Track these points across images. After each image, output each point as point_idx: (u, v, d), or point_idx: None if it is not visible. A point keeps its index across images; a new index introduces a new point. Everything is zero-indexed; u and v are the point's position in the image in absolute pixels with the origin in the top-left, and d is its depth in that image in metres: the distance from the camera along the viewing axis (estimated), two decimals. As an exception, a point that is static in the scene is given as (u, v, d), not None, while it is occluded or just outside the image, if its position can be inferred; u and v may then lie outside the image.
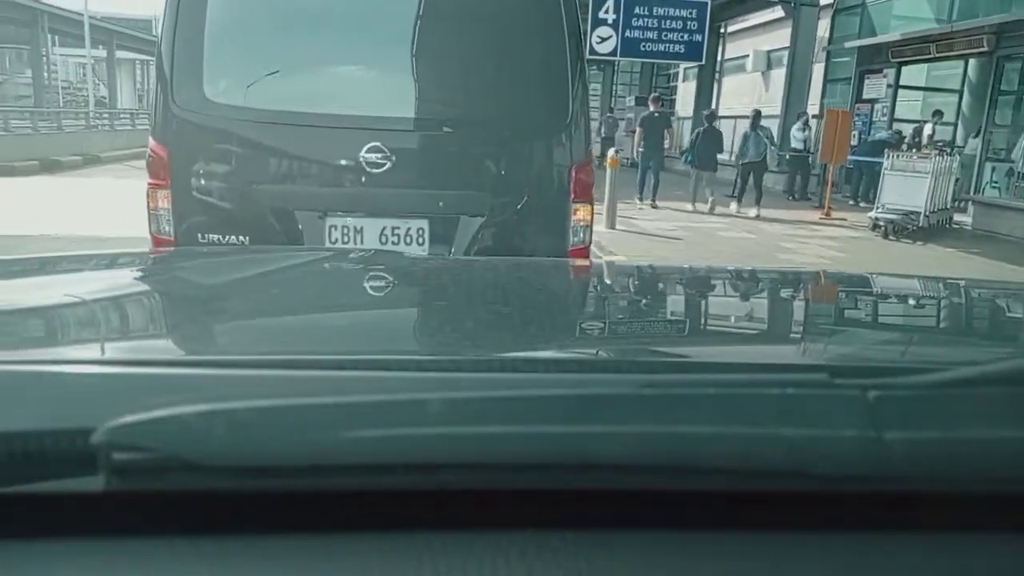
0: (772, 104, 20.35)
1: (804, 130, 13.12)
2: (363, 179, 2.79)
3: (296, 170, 2.88)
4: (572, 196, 2.93)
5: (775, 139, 12.16)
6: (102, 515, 0.45)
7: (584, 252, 2.99)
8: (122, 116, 23.77)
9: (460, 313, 0.93)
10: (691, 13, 14.01)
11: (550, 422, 0.45)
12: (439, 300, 1.03)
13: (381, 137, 2.79)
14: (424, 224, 2.88)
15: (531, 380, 0.53)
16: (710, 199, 10.94)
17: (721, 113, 19.20)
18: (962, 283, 1.43)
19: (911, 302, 1.18)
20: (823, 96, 15.57)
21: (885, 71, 14.09)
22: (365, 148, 2.78)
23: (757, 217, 10.59)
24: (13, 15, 24.33)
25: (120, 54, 33.20)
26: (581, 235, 2.97)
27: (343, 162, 2.81)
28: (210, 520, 0.45)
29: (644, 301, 1.09)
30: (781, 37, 20.02)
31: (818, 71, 15.79)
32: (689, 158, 11.30)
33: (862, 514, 0.48)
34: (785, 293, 1.24)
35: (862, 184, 13.12)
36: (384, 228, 2.88)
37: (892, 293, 1.23)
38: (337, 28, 2.95)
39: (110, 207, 7.94)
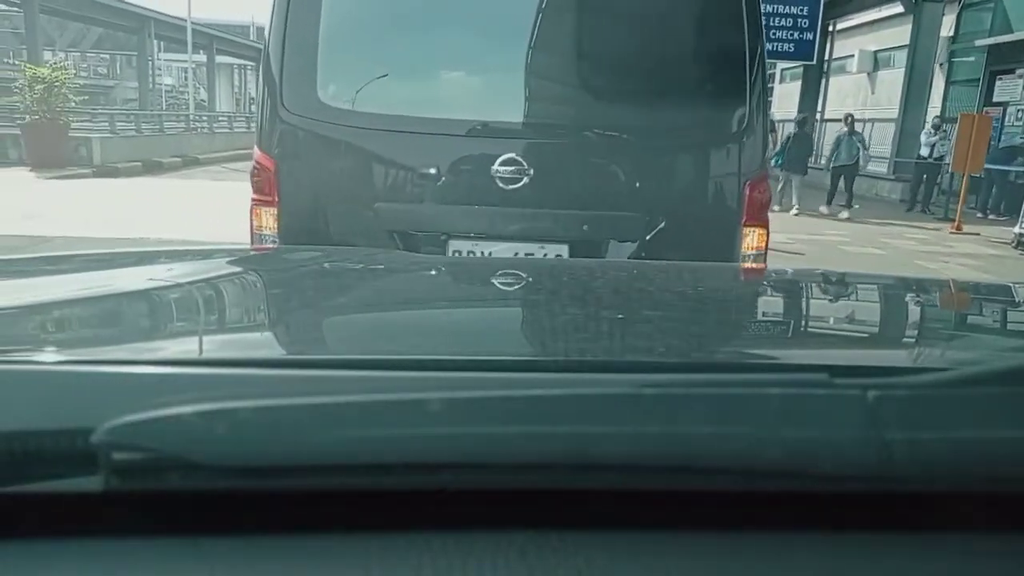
0: (878, 108, 19.15)
1: (934, 135, 12.08)
2: (496, 196, 2.37)
3: (422, 185, 2.47)
4: (743, 218, 2.44)
5: (867, 144, 12.00)
6: (102, 515, 0.45)
7: None
8: (220, 119, 24.42)
9: (460, 313, 0.94)
10: (802, 10, 13.16)
11: (550, 422, 0.45)
12: (438, 300, 1.03)
13: (517, 147, 2.37)
14: (564, 250, 2.44)
15: (531, 380, 0.53)
16: (795, 204, 11.08)
17: (827, 116, 18.18)
18: (962, 283, 1.41)
19: (911, 302, 1.18)
20: (945, 99, 14.41)
21: (1020, 71, 12.88)
22: (499, 160, 2.36)
23: (848, 220, 10.73)
24: (124, 22, 25.46)
25: (219, 59, 34.28)
26: (751, 264, 2.47)
27: (475, 177, 2.40)
28: (210, 520, 0.45)
29: (644, 301, 1.07)
30: (889, 36, 18.81)
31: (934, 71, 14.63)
32: (779, 161, 11.10)
33: (863, 514, 0.48)
34: (785, 293, 1.24)
35: (992, 195, 12.02)
36: (516, 254, 2.46)
37: (892, 293, 1.22)
38: (469, 23, 2.54)
39: (206, 209, 7.88)
